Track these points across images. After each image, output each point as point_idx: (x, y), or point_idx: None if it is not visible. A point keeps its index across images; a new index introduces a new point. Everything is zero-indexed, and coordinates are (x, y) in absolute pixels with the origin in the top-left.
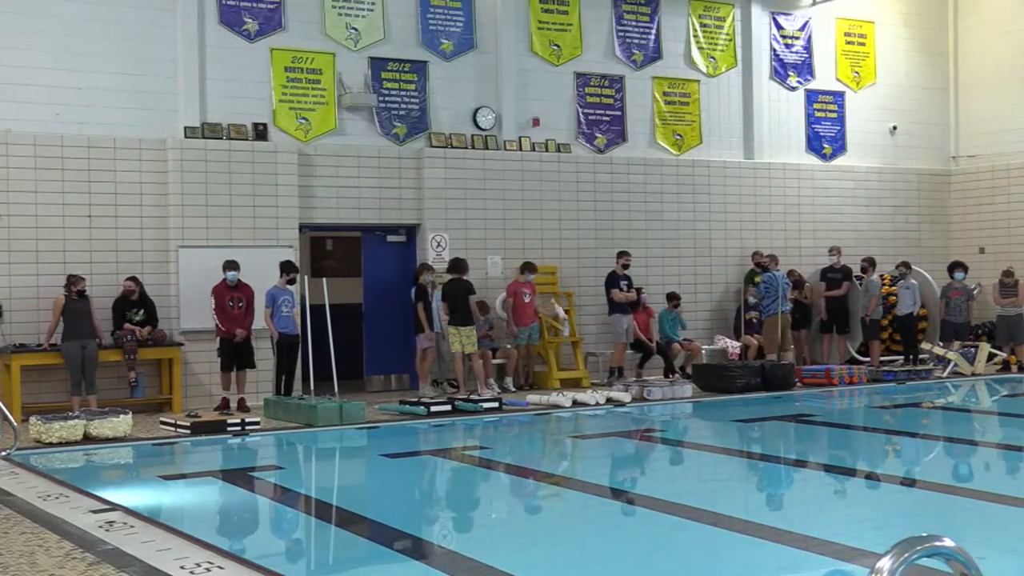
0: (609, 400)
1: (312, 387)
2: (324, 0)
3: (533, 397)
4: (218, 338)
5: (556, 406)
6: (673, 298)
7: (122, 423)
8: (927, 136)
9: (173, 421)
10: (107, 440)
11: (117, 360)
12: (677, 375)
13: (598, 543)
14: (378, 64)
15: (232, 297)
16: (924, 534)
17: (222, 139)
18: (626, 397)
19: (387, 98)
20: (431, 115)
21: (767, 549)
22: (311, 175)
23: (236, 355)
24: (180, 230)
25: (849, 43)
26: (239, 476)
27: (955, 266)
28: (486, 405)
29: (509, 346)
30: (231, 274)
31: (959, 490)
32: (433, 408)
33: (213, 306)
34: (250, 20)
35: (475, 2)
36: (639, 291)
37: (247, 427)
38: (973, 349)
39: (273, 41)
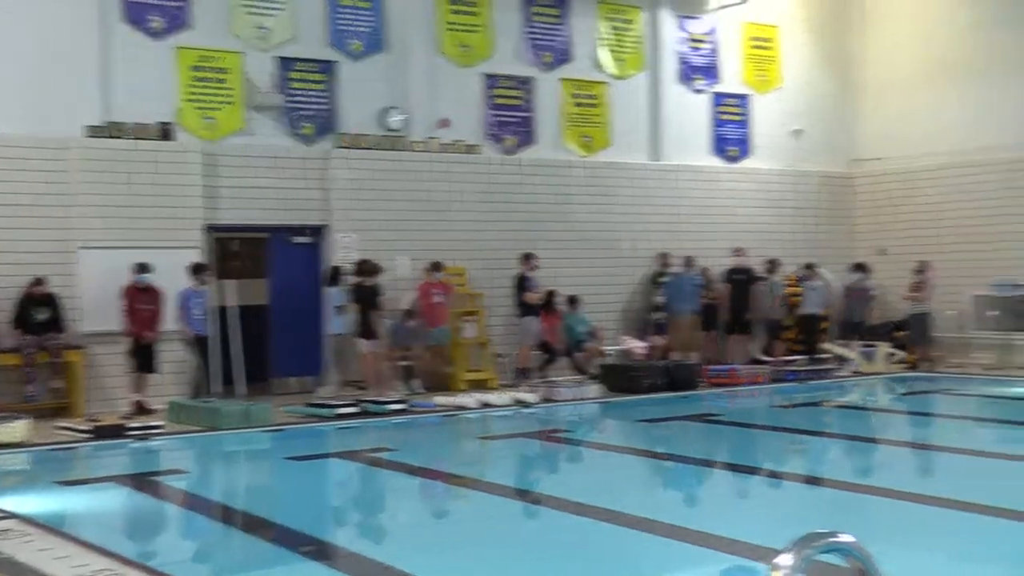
0: (516, 401)
1: (217, 389)
2: None
3: (440, 398)
4: (129, 340)
5: (463, 407)
6: (573, 301)
7: (18, 428)
8: (830, 139)
9: (72, 426)
10: (3, 446)
11: (16, 364)
12: (584, 376)
13: (504, 544)
14: (286, 64)
15: (142, 300)
16: (823, 531)
17: (126, 138)
18: (533, 398)
19: (295, 98)
20: (340, 115)
21: (672, 548)
22: (217, 175)
23: (145, 358)
24: (83, 231)
25: (754, 47)
26: (141, 481)
27: (856, 267)
28: (393, 407)
29: (419, 347)
30: (144, 276)
31: (859, 487)
32: (339, 410)
33: (124, 308)
34: (156, 18)
35: (385, 3)
36: (551, 293)
37: (150, 431)
38: (872, 348)
39: (179, 39)
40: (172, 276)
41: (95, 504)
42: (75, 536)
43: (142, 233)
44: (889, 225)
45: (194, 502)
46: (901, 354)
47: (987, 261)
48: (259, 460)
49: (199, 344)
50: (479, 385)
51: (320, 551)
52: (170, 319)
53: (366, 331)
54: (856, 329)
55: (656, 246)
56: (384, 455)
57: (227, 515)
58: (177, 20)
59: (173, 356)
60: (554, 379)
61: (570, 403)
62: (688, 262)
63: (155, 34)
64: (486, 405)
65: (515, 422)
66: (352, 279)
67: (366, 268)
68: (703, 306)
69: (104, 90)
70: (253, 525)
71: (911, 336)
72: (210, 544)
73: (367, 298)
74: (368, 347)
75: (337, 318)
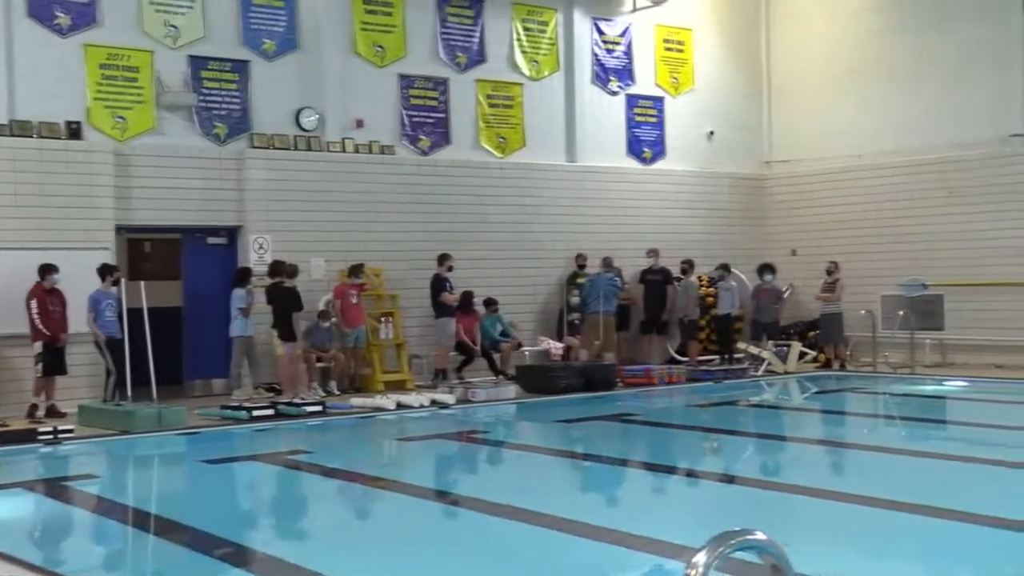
0: (433, 402)
1: (130, 392)
2: None
3: (357, 400)
4: (39, 343)
5: (380, 409)
6: (491, 304)
7: None
8: (743, 141)
9: None
10: None
11: None
12: (501, 376)
13: (422, 545)
14: (198, 63)
15: (52, 301)
16: (738, 528)
17: (32, 137)
18: (450, 399)
19: (208, 98)
20: (253, 115)
21: (590, 547)
22: (128, 175)
23: (57, 361)
24: None
25: (668, 49)
26: (51, 486)
27: (764, 268)
28: (309, 409)
29: (335, 349)
30: (53, 277)
31: (773, 484)
32: (255, 412)
33: (35, 311)
34: (62, 14)
35: (298, 2)
36: (467, 294)
37: (60, 435)
38: (785, 348)
39: (87, 37)
40: (84, 278)
41: (2, 510)
42: None
43: (52, 234)
44: (800, 226)
45: (107, 507)
46: (813, 353)
47: (895, 262)
48: (173, 464)
49: (111, 347)
50: (396, 386)
51: (236, 555)
52: (81, 321)
53: (283, 333)
54: (766, 329)
55: (572, 247)
56: (300, 457)
57: (141, 519)
58: (84, 17)
59: (83, 359)
60: (471, 380)
61: (487, 404)
62: (606, 263)
63: (61, 31)
64: (403, 406)
65: (432, 423)
66: (267, 280)
67: (283, 269)
68: (617, 307)
69: (9, 88)
70: (167, 529)
71: (823, 336)
72: (122, 549)
73: (283, 300)
74: (285, 349)
75: (238, 320)
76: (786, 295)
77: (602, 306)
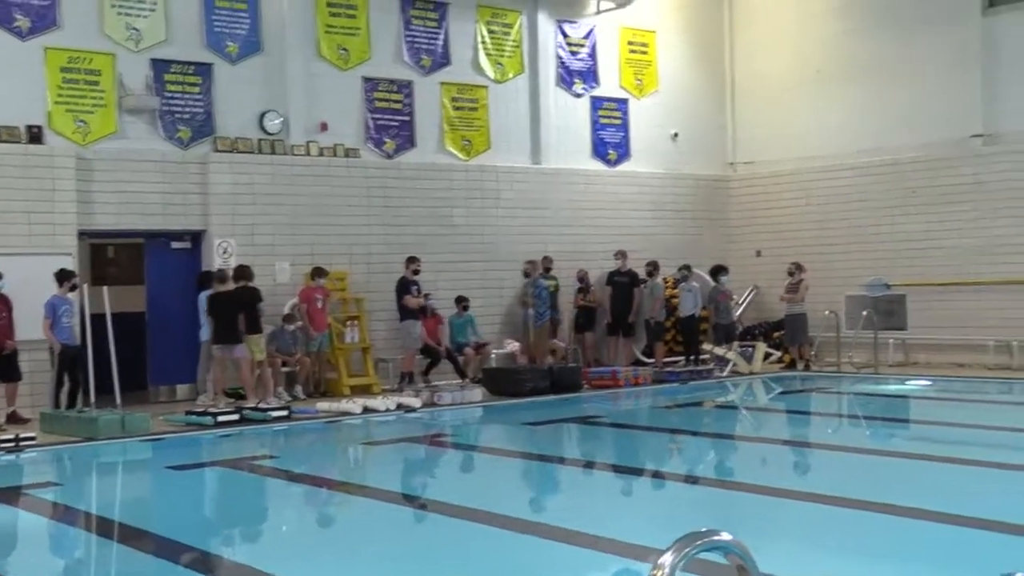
0: (400, 406)
1: (93, 399)
2: None
3: (323, 404)
4: None
5: (346, 413)
6: (461, 301)
7: None
8: (706, 143)
9: None
10: None
11: None
12: (468, 379)
13: (389, 549)
14: (160, 66)
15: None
16: (704, 529)
17: None
18: (416, 402)
19: (170, 101)
20: (216, 119)
21: (556, 550)
22: (90, 180)
23: (5, 368)
24: None
25: (632, 51)
26: (11, 495)
27: (718, 269)
28: (275, 414)
29: (300, 353)
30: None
31: (739, 485)
32: (220, 418)
33: None
34: (21, 17)
35: (261, 4)
36: (426, 296)
37: (21, 442)
38: (750, 349)
39: (47, 40)
40: (46, 283)
41: None
42: None
43: (13, 239)
44: (764, 227)
45: (69, 515)
46: (778, 354)
47: (859, 262)
48: (138, 470)
49: (68, 354)
50: (363, 390)
51: (201, 561)
52: (39, 328)
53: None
54: (727, 331)
55: (538, 249)
56: (266, 463)
57: (104, 527)
58: (45, 20)
59: (44, 366)
60: (437, 384)
61: (453, 407)
62: (534, 267)
63: (21, 34)
64: (369, 410)
65: (399, 427)
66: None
67: (243, 273)
68: (581, 308)
69: None
70: (131, 537)
71: (787, 336)
72: (85, 558)
73: (253, 300)
74: (239, 352)
75: (207, 325)
76: (751, 296)
77: (542, 311)
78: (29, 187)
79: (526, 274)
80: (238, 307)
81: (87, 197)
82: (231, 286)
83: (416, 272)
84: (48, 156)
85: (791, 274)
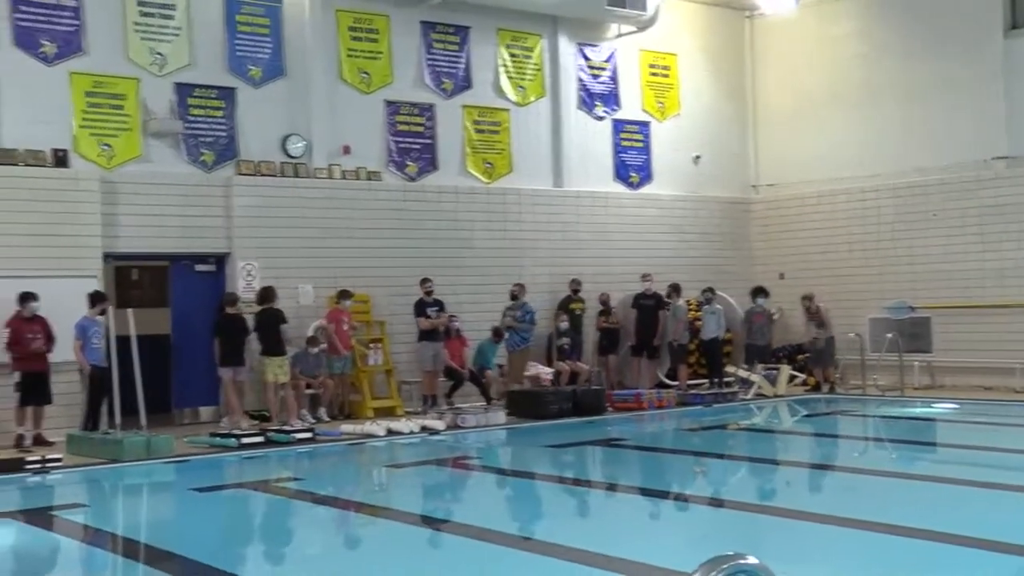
0: (423, 428)
1: (118, 421)
2: (127, 24)
3: (347, 427)
4: (16, 372)
5: (370, 435)
6: (497, 333)
7: None
8: (729, 165)
9: None
10: None
11: None
12: (493, 402)
13: (414, 572)
14: (184, 90)
15: (30, 330)
16: (729, 553)
17: (18, 165)
18: (440, 425)
19: (194, 125)
20: (240, 142)
21: (581, 573)
22: (115, 203)
23: (34, 390)
24: None
25: (653, 74)
26: (38, 516)
27: (757, 291)
28: (299, 436)
29: (324, 376)
30: (33, 305)
31: (764, 508)
32: (244, 440)
33: (7, 340)
34: (48, 43)
35: (284, 29)
36: (451, 318)
37: (48, 464)
38: (775, 371)
39: (73, 65)
40: (72, 306)
41: None
42: None
43: (39, 262)
44: (787, 249)
45: (95, 536)
46: (802, 377)
47: (882, 284)
48: (163, 492)
49: (98, 375)
50: (386, 413)
51: None
52: (68, 349)
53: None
54: (760, 352)
55: (560, 272)
56: (290, 485)
57: (130, 549)
58: (70, 45)
59: (71, 387)
60: (461, 406)
61: (477, 430)
62: (522, 290)
63: (47, 59)
64: (393, 433)
65: (423, 450)
66: (255, 307)
67: (267, 296)
68: (604, 331)
69: None
70: (157, 558)
71: (812, 359)
72: None
73: (270, 326)
74: (272, 375)
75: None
76: (776, 318)
77: (521, 336)
78: (55, 210)
79: (513, 296)
80: (243, 330)
81: (112, 220)
82: (239, 309)
83: (429, 293)
84: (73, 179)
85: (809, 309)
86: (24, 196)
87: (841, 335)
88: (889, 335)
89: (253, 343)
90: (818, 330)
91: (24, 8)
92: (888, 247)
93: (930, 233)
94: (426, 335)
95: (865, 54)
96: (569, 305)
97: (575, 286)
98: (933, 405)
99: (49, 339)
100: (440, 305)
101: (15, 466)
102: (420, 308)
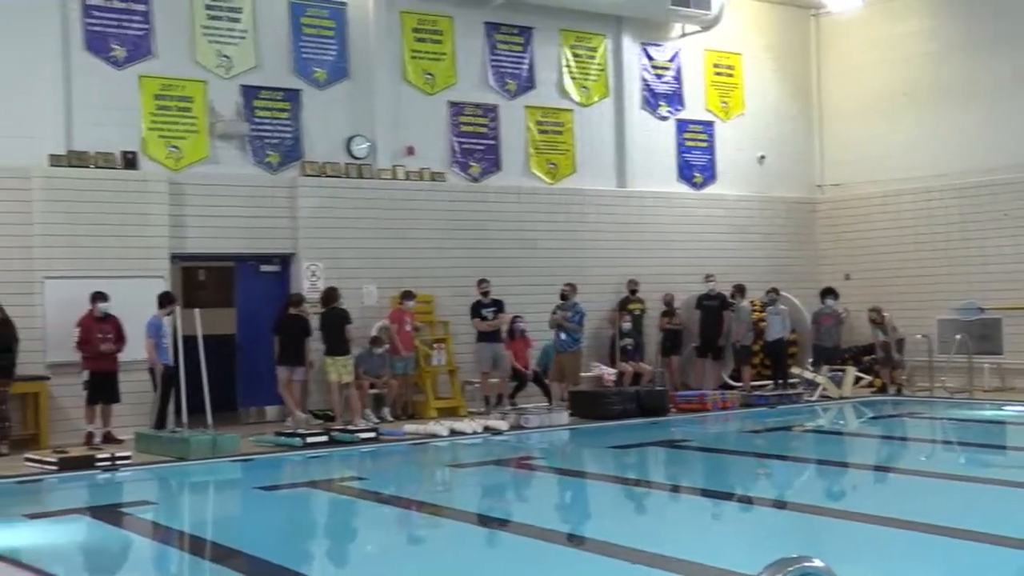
0: (486, 429)
1: (185, 419)
2: (194, 27)
3: (410, 427)
4: (85, 371)
5: (433, 435)
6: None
7: None
8: (794, 165)
9: (39, 458)
10: None
11: None
12: (556, 402)
13: (477, 572)
14: (250, 92)
15: (100, 330)
16: (795, 555)
17: (89, 167)
18: (503, 425)
19: (260, 126)
20: (305, 143)
21: (639, 573)
22: (182, 204)
23: (103, 389)
24: (46, 260)
25: (718, 74)
26: (108, 513)
27: (826, 292)
28: (362, 436)
29: (388, 376)
30: (101, 305)
31: (830, 511)
32: (309, 439)
33: (77, 339)
34: (117, 46)
35: (348, 31)
36: (514, 319)
37: (117, 462)
38: (840, 372)
39: (142, 68)
40: (139, 306)
41: (62, 537)
42: (41, 570)
43: (108, 263)
44: (853, 250)
45: (163, 533)
46: (868, 378)
47: (950, 285)
48: (228, 490)
49: (167, 374)
50: (449, 413)
51: None
52: (140, 348)
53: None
54: (828, 354)
55: (623, 272)
56: (355, 484)
57: (197, 546)
58: (139, 49)
59: (140, 386)
60: (524, 406)
61: (540, 430)
62: (573, 290)
63: (117, 63)
64: (456, 433)
65: (485, 450)
66: (319, 308)
67: (331, 296)
68: (667, 332)
69: (67, 119)
70: (224, 556)
71: (879, 360)
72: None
73: (334, 326)
74: (336, 375)
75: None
76: (844, 318)
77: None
78: (123, 211)
79: (564, 296)
80: (304, 330)
81: (179, 221)
82: (303, 310)
83: (486, 294)
84: (142, 181)
85: (874, 320)
86: (94, 198)
87: (909, 336)
88: (958, 336)
89: (316, 343)
90: (884, 337)
91: (95, 13)
92: (957, 247)
93: (1000, 233)
94: (484, 336)
95: (933, 52)
96: (628, 305)
97: (632, 286)
98: (1003, 408)
99: (120, 339)
100: (498, 306)
101: (86, 463)
102: (476, 309)
